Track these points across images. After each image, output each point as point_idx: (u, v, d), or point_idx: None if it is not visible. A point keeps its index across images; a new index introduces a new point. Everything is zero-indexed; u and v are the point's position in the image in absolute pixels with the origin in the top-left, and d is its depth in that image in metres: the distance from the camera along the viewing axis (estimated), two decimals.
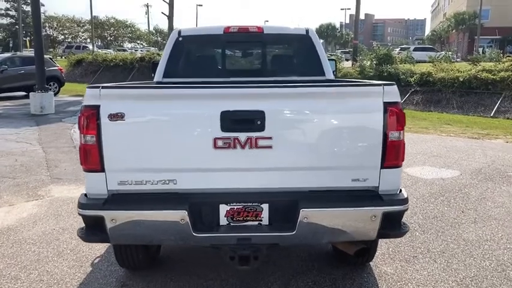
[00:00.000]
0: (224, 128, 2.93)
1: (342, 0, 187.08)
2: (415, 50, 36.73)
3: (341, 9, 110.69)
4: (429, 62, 24.35)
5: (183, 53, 5.42)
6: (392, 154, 3.02)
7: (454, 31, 62.63)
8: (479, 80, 17.14)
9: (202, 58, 5.72)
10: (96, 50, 46.77)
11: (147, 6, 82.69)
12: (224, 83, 4.76)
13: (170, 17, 29.27)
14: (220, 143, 2.95)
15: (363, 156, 3.05)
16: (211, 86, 3.13)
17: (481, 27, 49.17)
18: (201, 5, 76.00)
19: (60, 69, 21.93)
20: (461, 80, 17.42)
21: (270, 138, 2.95)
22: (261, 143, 2.95)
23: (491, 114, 15.79)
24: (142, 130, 3.00)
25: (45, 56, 17.61)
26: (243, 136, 2.95)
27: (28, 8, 51.19)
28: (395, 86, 3.07)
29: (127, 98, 3.01)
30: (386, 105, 2.97)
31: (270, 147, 2.97)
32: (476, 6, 51.24)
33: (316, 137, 3.02)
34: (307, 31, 5.32)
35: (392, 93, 3.02)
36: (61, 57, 45.67)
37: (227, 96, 3.03)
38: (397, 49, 36.69)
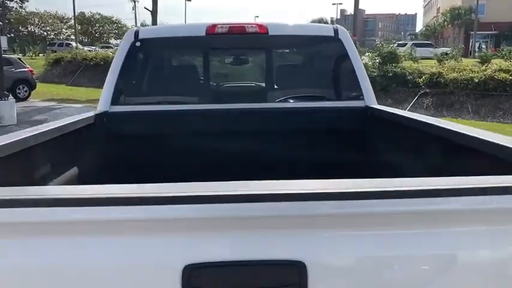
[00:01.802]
0: None
1: None
2: (415, 46, 35.08)
3: (332, 4, 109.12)
4: (430, 58, 22.79)
5: (142, 66, 3.59)
6: None
7: (449, 26, 61.29)
8: (496, 81, 15.41)
9: (172, 74, 3.88)
10: (80, 48, 44.51)
11: (134, 1, 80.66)
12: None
13: (154, 12, 27.20)
14: None
15: None
16: None
17: (477, 23, 47.90)
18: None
19: (31, 71, 19.77)
20: (476, 81, 15.67)
21: None
22: None
23: None
24: None
25: (13, 56, 15.70)
26: None
27: None
28: None
29: None
30: None
31: None
32: (472, 1, 49.98)
33: None
34: (336, 31, 3.54)
35: None
36: (43, 55, 43.43)
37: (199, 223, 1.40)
38: (393, 45, 35.11)
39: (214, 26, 3.43)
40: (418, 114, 2.99)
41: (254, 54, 4.14)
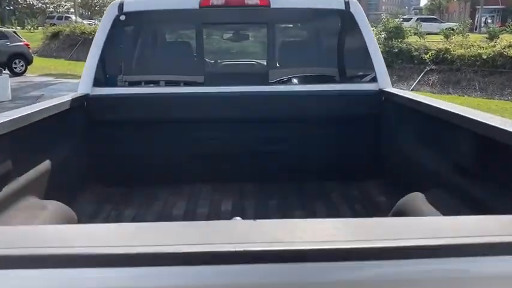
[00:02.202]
0: None
1: None
2: (420, 20, 34.34)
3: None
4: (436, 33, 22.22)
5: (127, 43, 3.25)
6: None
7: (455, 0, 60.03)
8: (505, 57, 14.94)
9: (162, 52, 3.54)
10: (79, 21, 43.65)
11: None
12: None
13: None
14: None
15: None
16: None
17: None
18: None
19: (27, 45, 19.27)
20: (485, 57, 15.21)
21: None
22: None
23: None
24: None
25: (8, 29, 15.23)
26: None
27: None
28: None
29: None
30: None
31: None
32: None
33: None
34: (347, 4, 3.21)
35: None
36: (42, 28, 42.65)
37: None
38: (399, 19, 34.37)
39: None
40: (439, 101, 2.66)
41: (254, 30, 3.78)
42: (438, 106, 2.45)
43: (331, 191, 3.19)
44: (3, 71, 13.31)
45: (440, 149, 2.49)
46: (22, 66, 18.72)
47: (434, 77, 15.96)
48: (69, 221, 2.29)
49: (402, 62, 16.85)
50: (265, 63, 3.51)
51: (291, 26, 3.81)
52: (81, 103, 3.02)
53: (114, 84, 3.21)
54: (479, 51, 15.58)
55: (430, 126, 2.61)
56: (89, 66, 3.12)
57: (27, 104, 10.73)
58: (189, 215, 2.81)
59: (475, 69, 15.32)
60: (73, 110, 2.87)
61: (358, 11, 3.24)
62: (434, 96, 14.13)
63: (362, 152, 3.30)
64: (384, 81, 3.25)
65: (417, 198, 2.37)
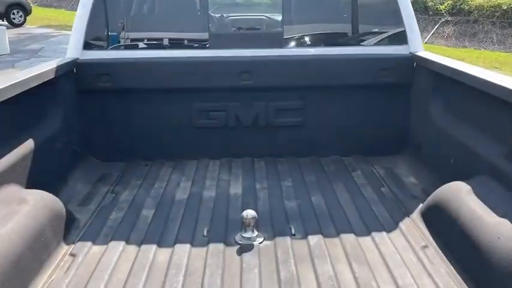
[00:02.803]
0: None
1: None
2: None
3: None
4: None
5: None
6: None
7: None
8: None
9: (158, 6, 3.17)
10: None
11: None
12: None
13: None
14: None
15: None
16: None
17: None
18: None
19: None
20: (505, 8, 14.41)
21: None
22: None
23: None
24: None
25: None
26: None
27: None
28: None
29: None
30: None
31: None
32: None
33: None
34: None
35: None
36: None
37: None
38: None
39: None
40: (484, 71, 2.26)
41: None
42: (485, 79, 2.07)
43: (353, 169, 2.86)
44: (1, 22, 12.79)
45: (487, 129, 2.13)
46: (21, 16, 18.06)
47: (449, 29, 15.24)
48: (55, 215, 1.98)
49: (416, 12, 16.04)
50: (279, 20, 3.09)
51: None
52: (69, 69, 2.66)
53: (106, 46, 2.82)
54: (498, 1, 14.78)
55: (474, 100, 2.23)
56: (77, 27, 2.74)
57: (25, 59, 10.27)
58: (194, 201, 2.48)
59: (493, 21, 14.58)
60: (61, 78, 2.52)
61: None
62: (450, 50, 13.53)
63: (389, 125, 2.94)
64: (416, 44, 2.90)
65: (460, 189, 2.02)
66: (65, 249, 1.99)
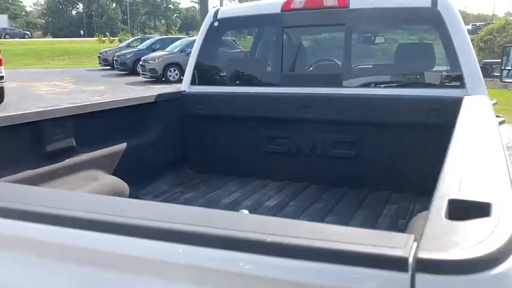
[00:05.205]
0: None
1: None
2: None
3: None
4: None
5: (220, 46, 3.66)
6: None
7: None
8: None
9: (245, 55, 3.92)
10: None
11: None
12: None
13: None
14: None
15: None
16: None
17: None
18: None
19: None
20: None
21: None
22: None
23: None
24: None
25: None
26: None
27: None
28: None
29: None
30: None
31: None
32: None
33: None
34: (434, 1, 3.04)
35: None
36: None
37: None
38: None
39: (289, 1, 3.33)
40: None
41: (332, 31, 3.89)
42: None
43: (392, 203, 3.02)
44: None
45: None
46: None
47: None
48: (115, 192, 2.61)
49: None
50: (340, 65, 3.58)
51: (371, 27, 3.80)
52: (176, 97, 3.54)
53: (207, 81, 3.64)
54: None
55: None
56: (188, 69, 3.64)
57: None
58: (231, 206, 2.96)
59: None
60: (168, 102, 3.43)
61: (447, 8, 3.00)
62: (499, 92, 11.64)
63: (434, 165, 3.03)
64: (475, 87, 2.90)
65: None
66: None
